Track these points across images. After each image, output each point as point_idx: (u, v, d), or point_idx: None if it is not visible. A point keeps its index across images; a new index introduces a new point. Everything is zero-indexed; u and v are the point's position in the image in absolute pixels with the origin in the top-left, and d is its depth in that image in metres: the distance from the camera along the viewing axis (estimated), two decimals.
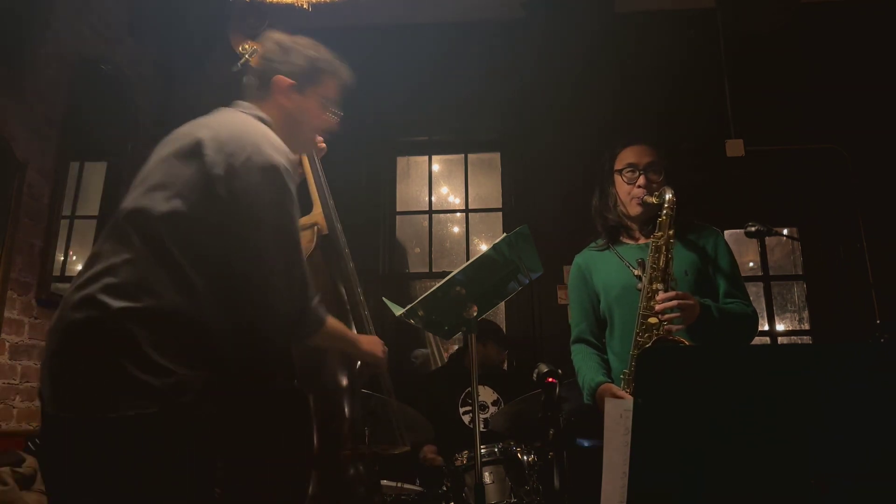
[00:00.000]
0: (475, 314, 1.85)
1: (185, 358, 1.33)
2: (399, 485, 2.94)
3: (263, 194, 1.41)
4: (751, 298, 2.06)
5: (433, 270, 4.69)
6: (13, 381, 3.05)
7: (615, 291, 2.04)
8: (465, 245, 4.82)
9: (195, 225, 1.40)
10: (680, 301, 1.81)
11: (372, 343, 1.78)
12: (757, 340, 2.23)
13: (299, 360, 1.62)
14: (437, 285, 1.82)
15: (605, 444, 1.53)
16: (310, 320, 1.49)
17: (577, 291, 2.16)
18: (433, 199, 4.87)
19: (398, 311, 1.87)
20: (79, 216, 3.61)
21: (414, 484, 3.13)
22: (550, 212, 4.17)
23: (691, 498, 0.87)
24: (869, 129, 4.12)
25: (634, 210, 2.07)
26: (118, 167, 3.73)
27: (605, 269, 2.10)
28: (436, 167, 4.93)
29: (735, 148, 4.16)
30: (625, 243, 2.12)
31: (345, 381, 1.86)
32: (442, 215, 5.25)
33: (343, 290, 1.90)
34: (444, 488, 2.88)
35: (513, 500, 2.69)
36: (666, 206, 1.92)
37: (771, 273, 4.51)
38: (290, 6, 3.00)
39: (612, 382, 1.96)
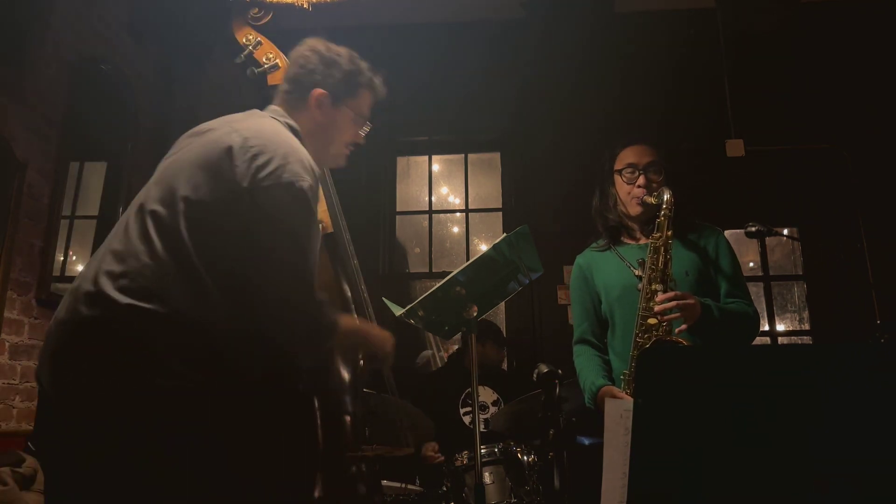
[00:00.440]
0: (475, 314, 1.85)
1: (195, 362, 1.32)
2: (403, 486, 2.95)
3: (286, 214, 1.38)
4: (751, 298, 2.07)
5: (433, 270, 4.69)
6: (13, 381, 3.05)
7: (616, 292, 2.04)
8: (465, 245, 4.82)
9: (217, 234, 1.38)
10: (679, 302, 1.81)
11: (382, 336, 1.76)
12: (757, 340, 2.23)
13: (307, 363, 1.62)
14: (437, 285, 1.82)
15: (605, 444, 1.53)
16: (325, 331, 1.48)
17: (579, 292, 2.16)
18: (433, 199, 4.87)
19: (398, 311, 1.87)
20: (79, 216, 3.61)
21: (414, 484, 3.14)
22: (550, 212, 4.17)
23: (691, 498, 0.87)
24: (869, 129, 4.12)
25: (635, 210, 2.07)
26: (118, 167, 3.73)
27: (606, 269, 2.10)
28: (436, 167, 4.93)
29: (735, 148, 4.16)
30: (626, 243, 2.11)
31: (348, 381, 1.86)
32: (442, 215, 5.25)
33: (348, 289, 1.90)
34: (444, 488, 2.88)
35: (513, 500, 2.69)
36: (664, 206, 1.92)
37: (771, 273, 4.52)
38: (290, 6, 3.00)
39: (614, 384, 1.97)
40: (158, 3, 3.97)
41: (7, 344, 3.01)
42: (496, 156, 4.71)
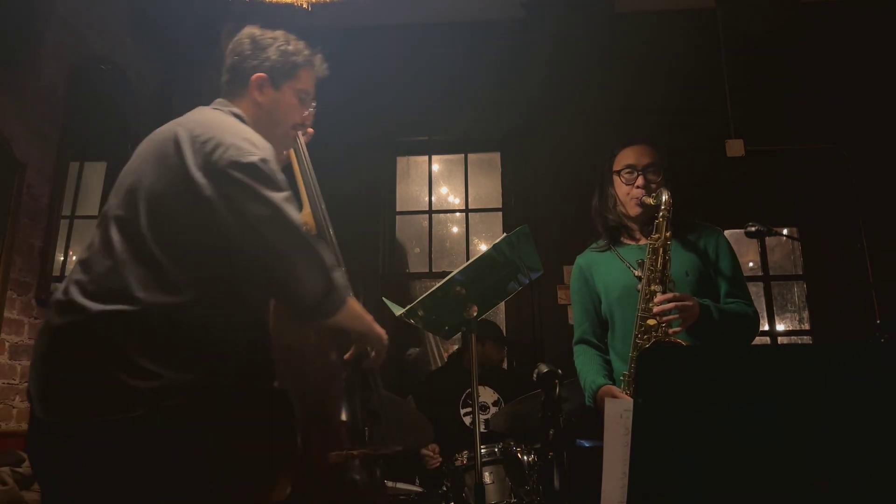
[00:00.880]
0: (475, 314, 1.85)
1: (170, 360, 1.33)
2: (410, 487, 2.95)
3: (253, 190, 1.40)
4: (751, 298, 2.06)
5: (433, 270, 4.69)
6: (13, 381, 3.05)
7: (616, 292, 2.04)
8: (465, 245, 4.82)
9: (177, 225, 1.41)
10: (677, 303, 1.81)
11: (381, 328, 1.76)
12: (757, 340, 2.23)
13: (281, 361, 1.62)
14: (437, 285, 1.82)
15: (605, 445, 1.53)
16: (336, 296, 1.49)
17: (579, 293, 2.16)
18: (433, 199, 4.87)
19: (398, 311, 1.87)
20: (79, 216, 3.61)
21: (414, 484, 3.14)
22: (550, 212, 4.17)
23: (691, 498, 0.87)
24: (869, 129, 4.12)
25: (634, 210, 2.07)
26: (118, 167, 3.70)
27: (606, 270, 2.10)
28: (436, 167, 4.93)
29: (735, 148, 4.16)
30: (626, 244, 2.11)
31: (340, 381, 1.86)
32: (442, 215, 5.25)
33: None
34: (444, 488, 2.88)
35: (513, 500, 2.69)
36: (662, 207, 1.92)
37: (771, 273, 4.52)
38: (290, 6, 3.00)
39: (614, 383, 1.97)
40: (158, 3, 3.97)
41: (7, 344, 3.01)
42: (496, 156, 4.71)
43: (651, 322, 1.85)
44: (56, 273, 3.34)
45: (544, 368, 1.82)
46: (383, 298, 2.15)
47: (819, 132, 4.18)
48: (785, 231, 4.09)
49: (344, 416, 1.87)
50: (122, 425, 1.27)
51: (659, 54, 4.36)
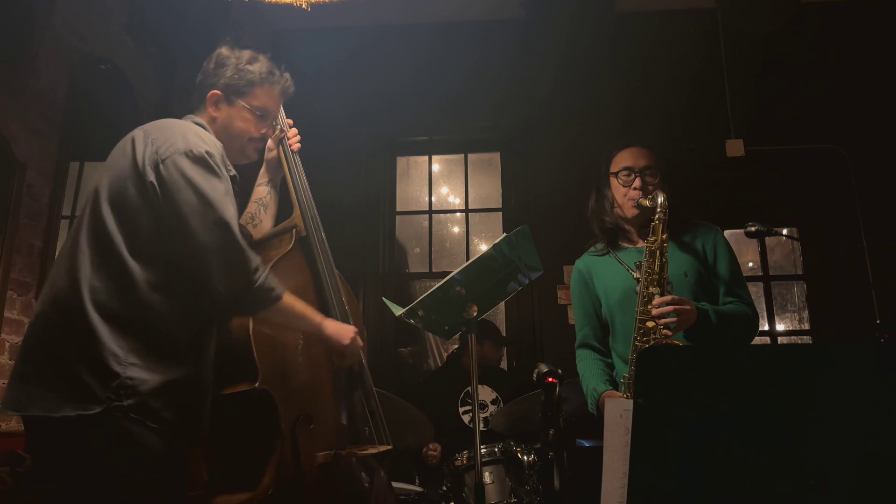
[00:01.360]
0: (475, 314, 1.85)
1: (133, 359, 1.38)
2: (410, 487, 2.95)
3: (188, 180, 1.48)
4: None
5: (433, 270, 4.69)
6: None
7: (616, 296, 2.04)
8: (465, 245, 4.81)
9: (134, 219, 1.47)
10: (676, 306, 1.81)
11: (339, 328, 1.78)
12: (757, 340, 2.23)
13: (264, 362, 1.63)
14: (437, 285, 1.82)
15: (605, 445, 1.53)
16: (259, 297, 1.54)
17: (580, 296, 2.17)
18: (433, 199, 4.87)
19: (398, 311, 1.87)
20: (79, 216, 3.61)
21: (414, 484, 3.14)
22: (550, 212, 4.17)
23: (691, 498, 0.87)
24: (869, 129, 4.12)
25: (631, 212, 2.07)
26: None
27: (605, 273, 2.10)
28: (436, 167, 4.93)
29: (735, 148, 4.16)
30: (624, 247, 2.12)
31: (328, 381, 1.87)
32: (442, 215, 5.25)
33: (326, 289, 1.92)
34: (444, 488, 2.88)
35: (513, 500, 2.69)
36: (659, 209, 1.92)
37: (771, 273, 4.51)
38: (290, 6, 3.00)
39: (616, 387, 1.97)
40: (158, 3, 3.97)
41: (7, 344, 3.01)
42: (496, 156, 4.71)
43: (650, 324, 1.85)
44: None
45: (544, 368, 1.81)
46: (383, 298, 2.15)
47: (819, 132, 4.18)
48: (785, 231, 4.09)
49: (336, 416, 1.88)
50: (78, 422, 1.31)
51: (659, 54, 4.36)
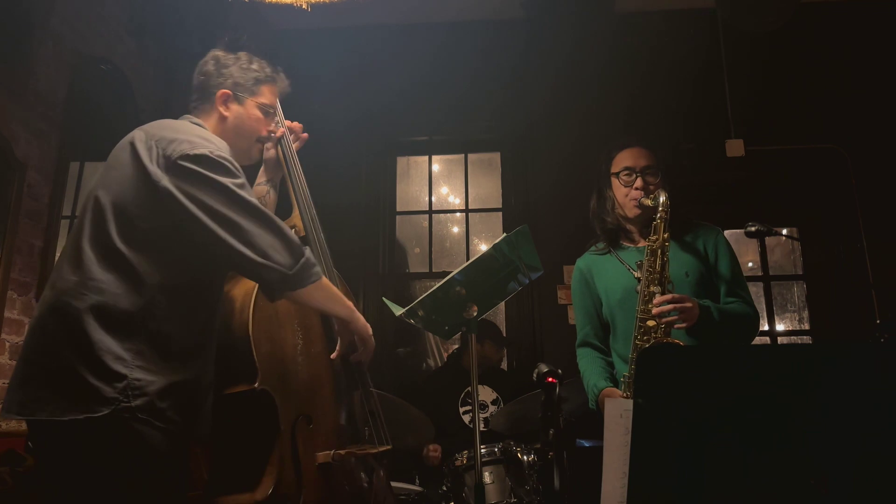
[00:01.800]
0: (475, 314, 1.85)
1: (139, 361, 1.37)
2: (410, 486, 2.95)
3: (201, 177, 1.47)
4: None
5: (433, 270, 4.69)
6: None
7: (617, 295, 2.04)
8: (465, 245, 4.81)
9: (141, 223, 1.46)
10: (676, 305, 1.81)
11: (366, 324, 1.80)
12: (757, 340, 2.23)
13: (264, 362, 1.63)
14: (437, 285, 1.82)
15: (605, 445, 1.53)
16: (308, 270, 1.54)
17: (580, 296, 2.17)
18: (433, 199, 4.87)
19: (398, 311, 1.87)
20: (79, 218, 3.61)
21: (414, 484, 3.14)
22: (550, 212, 4.17)
23: (691, 498, 0.87)
24: (869, 129, 4.12)
25: (632, 212, 2.07)
26: None
27: (606, 273, 2.10)
28: (436, 167, 4.93)
29: (735, 148, 4.16)
30: (625, 247, 2.12)
31: (328, 381, 1.87)
32: (442, 215, 5.24)
33: None
34: (444, 488, 2.88)
35: (513, 500, 2.69)
36: (660, 209, 1.92)
37: (771, 273, 4.51)
38: (290, 6, 3.00)
39: (617, 385, 1.97)
40: (158, 3, 3.97)
41: (7, 344, 3.01)
42: (496, 156, 4.71)
43: (650, 323, 1.85)
44: None
45: (544, 368, 1.81)
46: (383, 298, 2.15)
47: (819, 132, 4.17)
48: (785, 231, 4.09)
49: (335, 416, 1.88)
50: (85, 425, 1.31)
51: (659, 54, 4.36)
